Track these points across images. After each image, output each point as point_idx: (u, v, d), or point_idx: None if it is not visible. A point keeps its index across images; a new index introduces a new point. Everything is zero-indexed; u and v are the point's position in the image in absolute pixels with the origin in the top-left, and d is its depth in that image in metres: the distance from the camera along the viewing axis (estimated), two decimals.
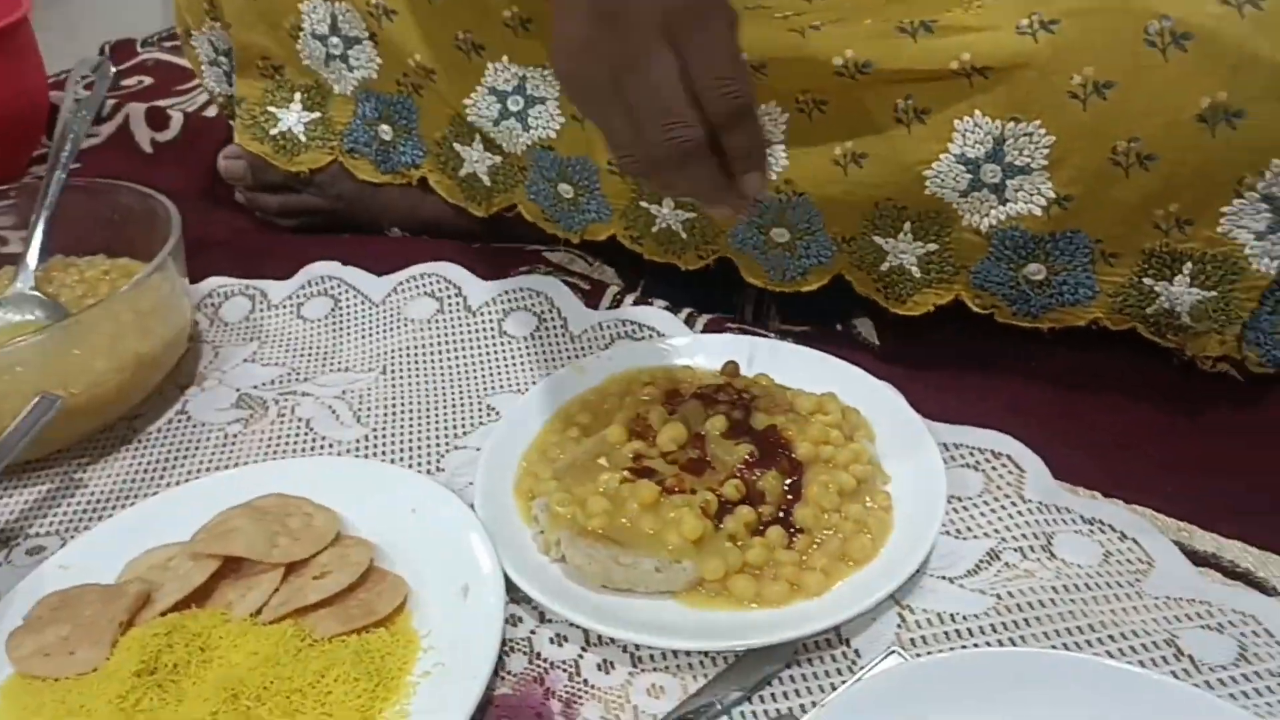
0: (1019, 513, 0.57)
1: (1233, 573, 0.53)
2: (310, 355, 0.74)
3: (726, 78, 0.46)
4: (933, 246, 0.63)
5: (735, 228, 0.69)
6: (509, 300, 0.77)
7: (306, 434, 0.67)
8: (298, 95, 0.80)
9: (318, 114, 0.80)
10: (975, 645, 0.50)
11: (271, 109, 0.80)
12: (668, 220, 0.69)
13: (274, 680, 0.48)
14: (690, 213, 0.68)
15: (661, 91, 0.46)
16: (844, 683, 0.49)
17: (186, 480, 0.63)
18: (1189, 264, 0.58)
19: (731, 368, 0.65)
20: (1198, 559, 0.54)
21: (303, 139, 0.80)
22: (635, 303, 0.76)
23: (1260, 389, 0.64)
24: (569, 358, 0.71)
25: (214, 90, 0.86)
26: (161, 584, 0.53)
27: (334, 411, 0.68)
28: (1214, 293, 0.59)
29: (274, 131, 0.81)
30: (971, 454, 0.61)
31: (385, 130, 0.78)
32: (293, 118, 0.80)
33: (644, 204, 0.69)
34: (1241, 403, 0.64)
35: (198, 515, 0.56)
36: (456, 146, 0.75)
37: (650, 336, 0.72)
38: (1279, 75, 0.52)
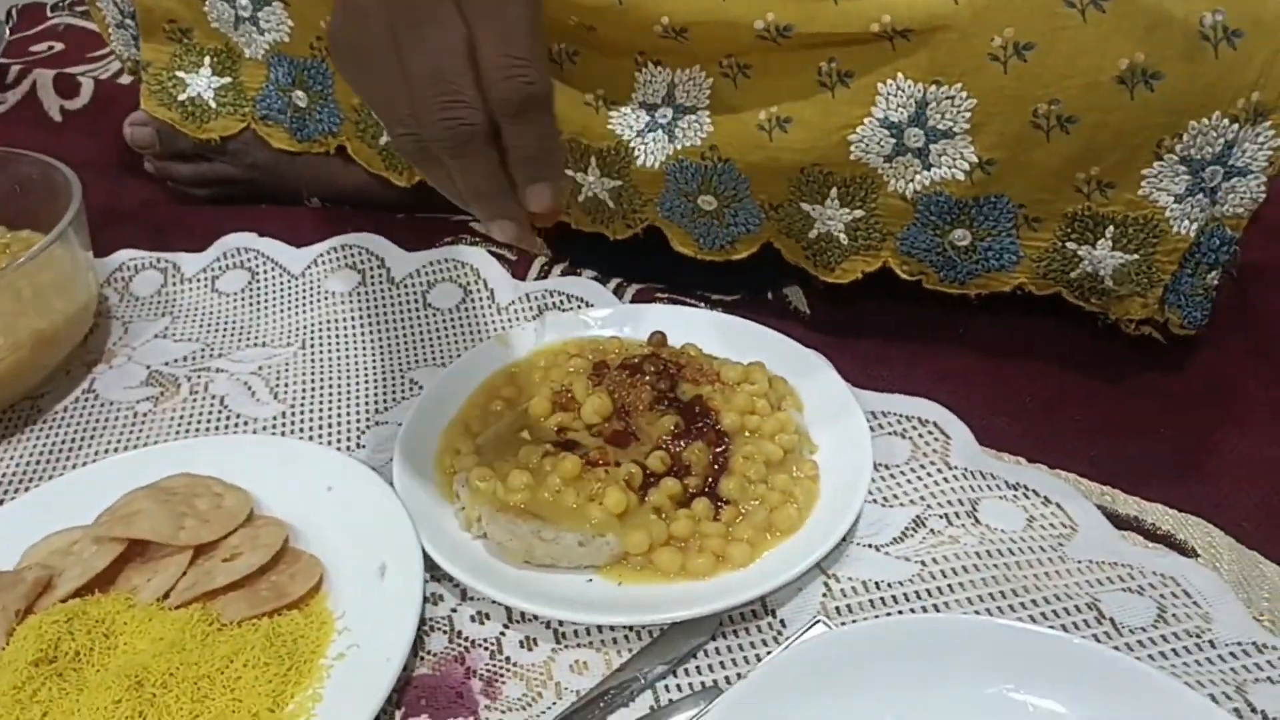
0: (945, 479, 0.57)
1: (1154, 535, 0.54)
2: (225, 330, 0.71)
3: (518, 58, 0.41)
4: (859, 213, 0.63)
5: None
6: (433, 272, 0.74)
7: (220, 412, 0.64)
8: (207, 59, 0.76)
9: (228, 79, 0.77)
10: (900, 613, 0.50)
11: (180, 74, 0.77)
12: (595, 189, 0.67)
13: (180, 666, 0.46)
14: (617, 180, 0.66)
15: (442, 61, 0.41)
16: (769, 653, 0.48)
17: (93, 462, 0.60)
18: (1111, 227, 0.59)
19: (658, 338, 0.64)
20: (1120, 522, 0.54)
21: (213, 105, 0.77)
22: (564, 273, 0.75)
23: (1181, 353, 0.65)
24: (495, 330, 0.69)
25: (123, 55, 0.82)
26: (63, 569, 0.51)
27: (250, 388, 0.66)
28: (1136, 256, 0.59)
29: (182, 97, 0.77)
30: (899, 421, 0.60)
31: (300, 96, 0.75)
32: (202, 83, 0.77)
33: (569, 172, 0.67)
34: (1164, 367, 0.64)
35: (102, 498, 0.54)
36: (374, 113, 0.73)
37: (578, 307, 0.70)
38: (1192, 36, 0.53)
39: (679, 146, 0.63)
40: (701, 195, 0.65)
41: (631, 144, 0.65)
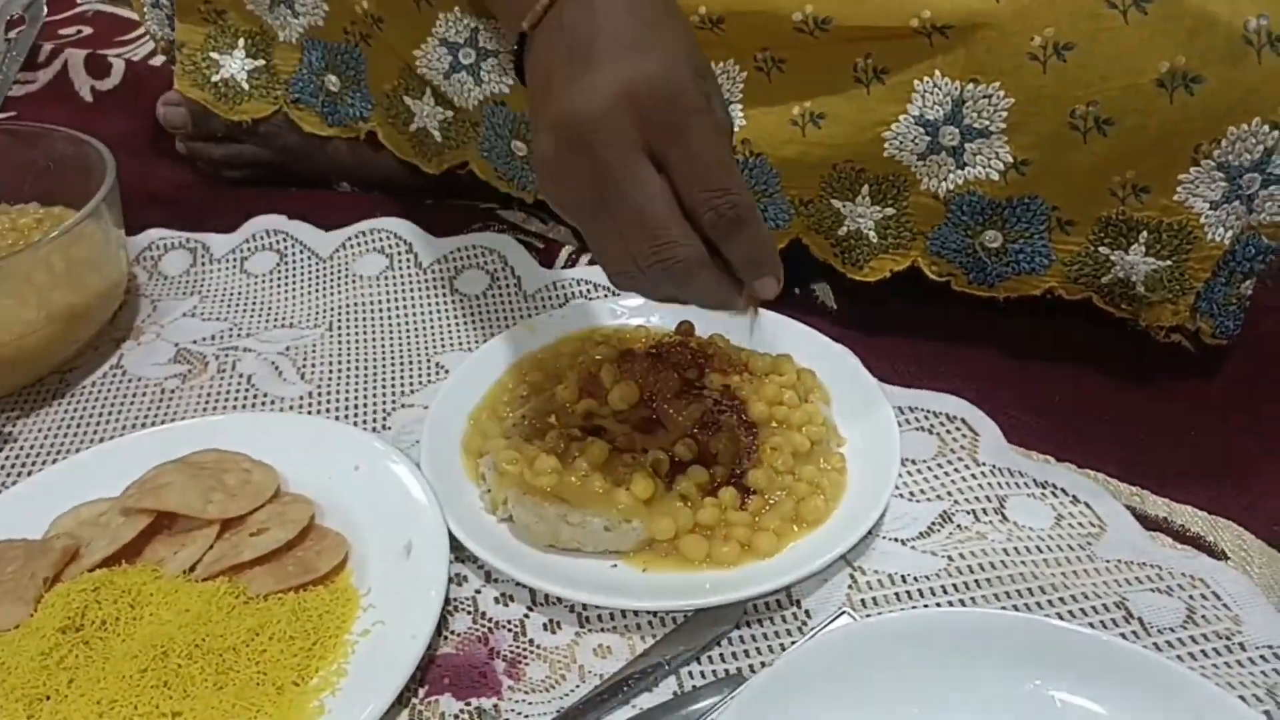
0: (972, 476, 0.56)
1: (1183, 537, 0.53)
2: (253, 310, 0.71)
3: (717, 189, 0.43)
4: (890, 211, 0.63)
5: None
6: (461, 258, 0.75)
7: (247, 390, 0.64)
8: (241, 41, 0.77)
9: (262, 62, 0.77)
10: (926, 606, 0.49)
11: (214, 55, 0.77)
12: None
13: (205, 638, 0.46)
14: None
15: (645, 213, 0.43)
16: (794, 643, 0.48)
17: (120, 435, 0.60)
18: (1144, 233, 0.58)
19: (686, 328, 0.63)
20: (1149, 523, 0.54)
21: (245, 87, 0.77)
22: (590, 262, 0.74)
23: (1212, 358, 0.64)
24: (522, 317, 0.69)
25: (157, 34, 0.82)
26: (91, 540, 0.51)
27: (277, 368, 0.66)
28: (1168, 262, 0.58)
29: (215, 79, 0.77)
30: (926, 417, 0.60)
31: (332, 81, 0.75)
32: (235, 65, 0.77)
33: None
34: (1195, 371, 0.64)
35: (130, 471, 0.54)
36: (406, 100, 0.73)
37: (605, 296, 0.70)
38: (1235, 40, 0.52)
39: None
40: None
41: None
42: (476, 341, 0.68)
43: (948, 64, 0.57)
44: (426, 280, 0.73)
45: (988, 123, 0.57)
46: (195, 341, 0.69)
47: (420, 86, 0.72)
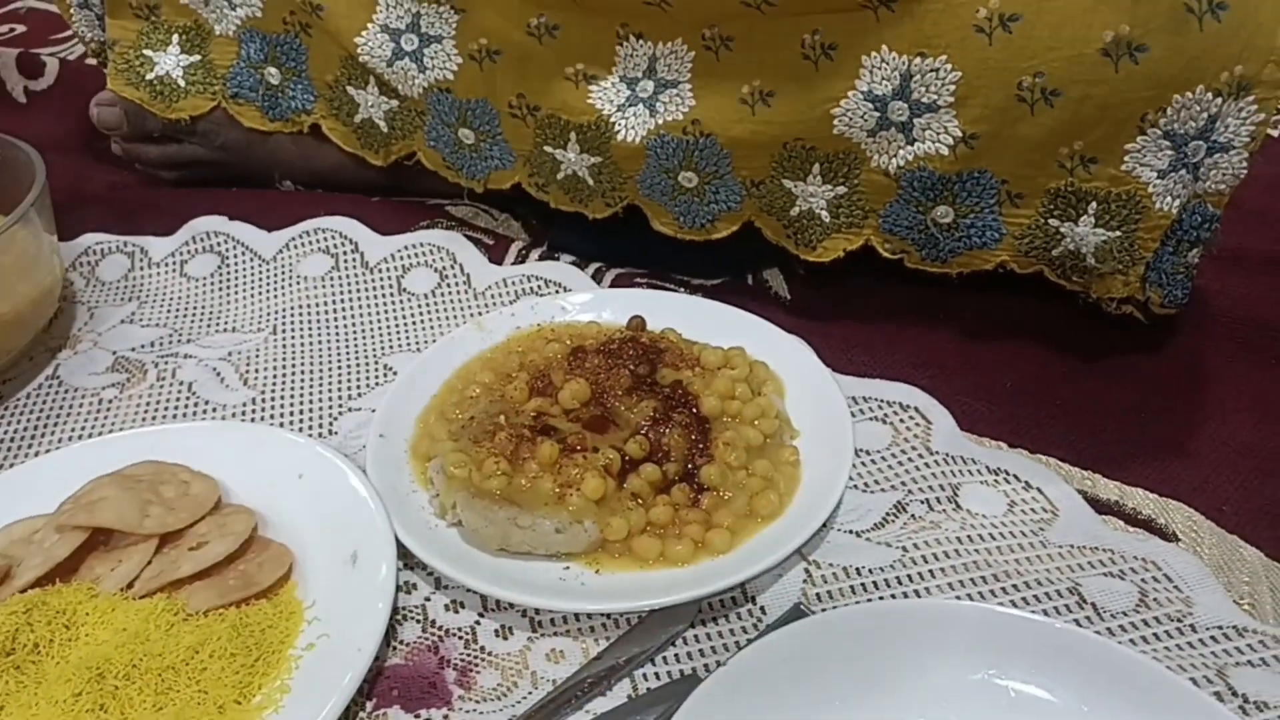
0: (926, 465, 0.56)
1: (1135, 520, 0.54)
2: (194, 315, 0.70)
3: None
4: (841, 190, 0.62)
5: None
6: (409, 256, 0.73)
7: (188, 398, 0.63)
8: (175, 37, 0.74)
9: (197, 57, 0.75)
10: (881, 598, 0.49)
11: (147, 52, 0.75)
12: (574, 166, 0.66)
13: (143, 658, 0.45)
14: (597, 157, 0.65)
15: None
16: (749, 640, 0.47)
17: (56, 449, 0.59)
18: (1093, 204, 0.58)
19: (637, 323, 0.63)
20: (1101, 507, 0.54)
21: (182, 84, 0.75)
22: (541, 257, 0.73)
23: (1162, 337, 0.64)
24: (472, 315, 0.68)
25: (86, 36, 0.79)
26: (23, 559, 0.50)
27: (219, 374, 0.64)
28: (1118, 233, 0.58)
29: (150, 76, 0.75)
30: (880, 407, 0.60)
31: (272, 73, 0.73)
32: (170, 61, 0.75)
33: (549, 149, 0.66)
34: (1144, 351, 0.64)
35: (65, 486, 0.53)
36: (350, 90, 0.71)
37: (556, 292, 0.69)
38: (1178, 8, 0.52)
39: (660, 121, 0.62)
40: (683, 171, 0.64)
41: (612, 119, 0.64)
42: (425, 341, 0.66)
43: (894, 38, 0.56)
44: (373, 280, 0.72)
45: (936, 96, 0.57)
46: (134, 349, 0.67)
47: (364, 76, 0.70)
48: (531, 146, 0.67)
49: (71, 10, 0.78)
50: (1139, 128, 0.55)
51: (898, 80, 0.57)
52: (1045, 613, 0.48)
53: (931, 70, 0.56)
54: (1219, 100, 0.54)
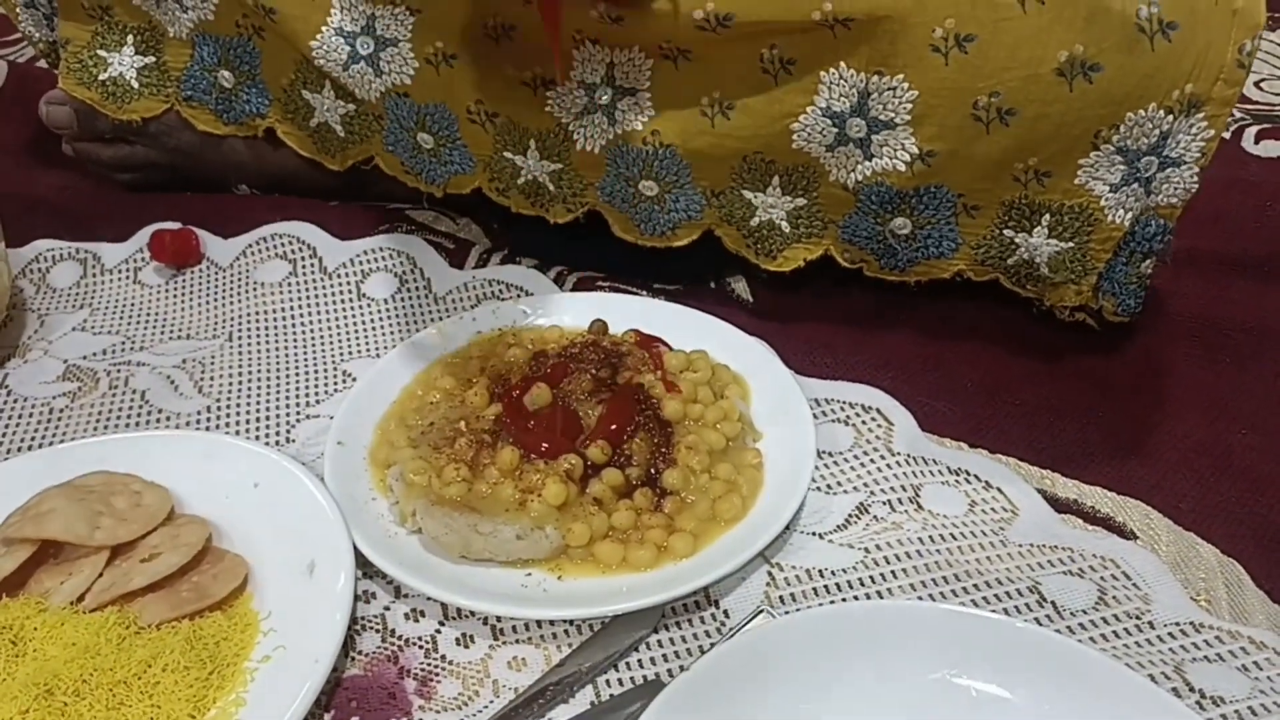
0: (888, 466, 0.56)
1: (1093, 518, 0.54)
2: (147, 323, 0.68)
3: None
4: (801, 201, 0.62)
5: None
6: (368, 261, 0.72)
7: (141, 407, 0.61)
8: (130, 38, 0.73)
9: (152, 58, 0.73)
10: (844, 600, 0.49)
11: (101, 52, 0.73)
12: (534, 172, 0.66)
13: (94, 673, 0.44)
14: (557, 163, 0.65)
15: None
16: (713, 645, 0.47)
17: (4, 460, 0.57)
18: (1047, 215, 0.59)
19: (599, 326, 0.62)
20: (1060, 505, 0.55)
21: (135, 85, 0.74)
22: (503, 262, 0.73)
23: (1117, 337, 0.65)
24: (432, 320, 0.68)
25: (34, 36, 0.78)
26: None
27: (172, 382, 0.63)
28: (1071, 244, 0.59)
29: (103, 77, 0.73)
30: (842, 408, 0.60)
31: (226, 76, 0.72)
32: (125, 62, 0.73)
33: (508, 154, 0.66)
34: (1100, 351, 0.65)
35: (13, 498, 0.51)
36: (305, 94, 0.70)
37: (517, 297, 0.69)
38: (1129, 28, 0.53)
39: (620, 131, 0.62)
40: (643, 180, 0.63)
41: (570, 127, 0.63)
42: (385, 347, 0.66)
43: (852, 56, 0.56)
44: (332, 286, 0.71)
45: (893, 114, 0.57)
46: (85, 357, 0.65)
47: (319, 80, 0.70)
48: (491, 152, 0.67)
49: (18, 10, 0.77)
50: (1092, 143, 0.56)
51: (855, 97, 0.57)
52: (1006, 611, 0.48)
53: (889, 89, 0.56)
54: (1170, 117, 0.55)
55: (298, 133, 0.73)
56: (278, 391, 0.62)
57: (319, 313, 0.69)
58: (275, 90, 0.72)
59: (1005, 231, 0.60)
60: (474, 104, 0.65)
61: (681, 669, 0.46)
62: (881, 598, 0.49)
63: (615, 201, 0.66)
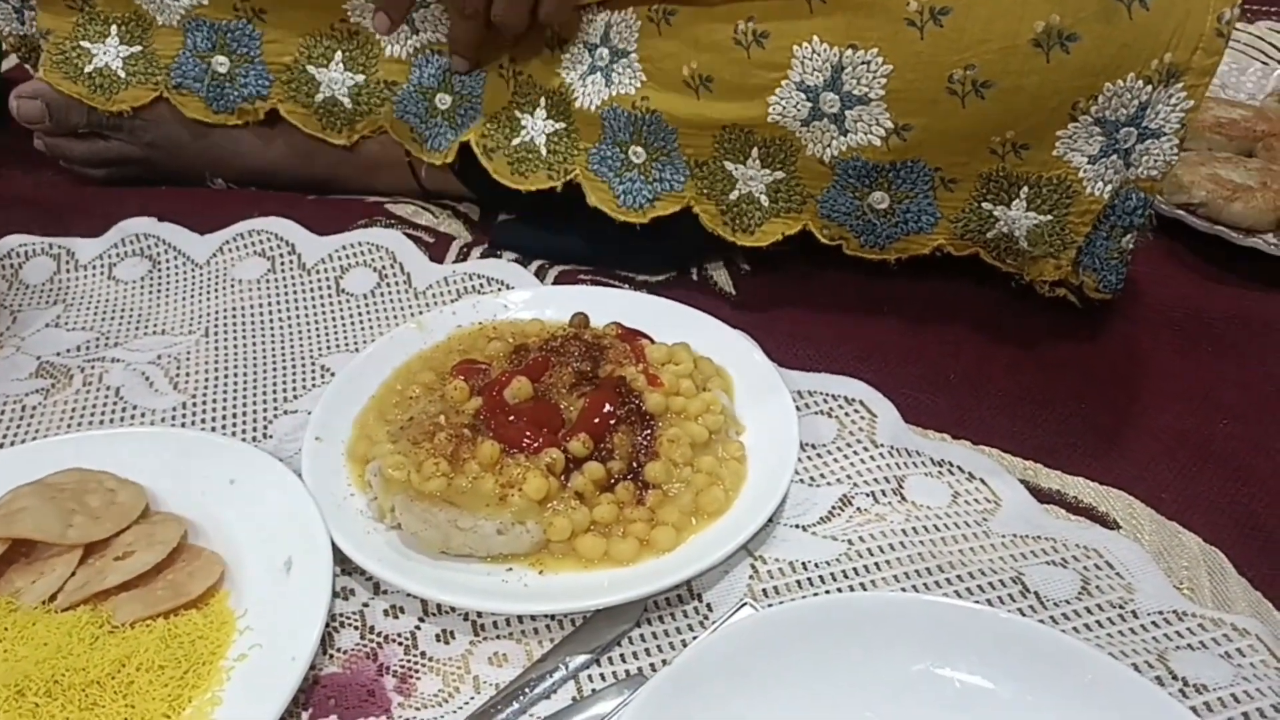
0: (871, 458, 0.56)
1: (1076, 508, 0.54)
2: (122, 318, 0.67)
3: None
4: (780, 174, 0.62)
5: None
6: (347, 256, 0.72)
7: (115, 403, 0.60)
8: (114, 28, 0.72)
9: (138, 47, 0.72)
10: (827, 592, 0.49)
11: (84, 44, 0.72)
12: (533, 132, 0.66)
13: (66, 673, 0.43)
14: (560, 123, 0.66)
15: None
16: (695, 638, 0.47)
17: None
18: (1025, 188, 0.58)
19: (580, 320, 0.62)
20: (1043, 496, 0.54)
21: (122, 75, 0.72)
22: (483, 255, 0.72)
23: (1099, 327, 0.65)
24: (412, 315, 0.67)
25: (4, 30, 0.76)
26: None
27: (147, 378, 0.62)
28: (1049, 216, 0.59)
29: (88, 69, 0.72)
30: (825, 400, 0.60)
31: (220, 62, 0.71)
32: (110, 53, 0.72)
33: (518, 113, 0.67)
34: (1082, 341, 0.65)
35: None
36: (310, 69, 0.70)
37: (498, 290, 0.68)
38: None
39: (614, 93, 0.63)
40: (633, 146, 0.64)
41: (573, 85, 0.64)
42: (364, 342, 0.65)
43: (826, 29, 0.56)
44: (311, 281, 0.70)
45: (867, 89, 0.57)
46: (59, 354, 0.64)
47: (326, 54, 0.69)
48: (501, 107, 0.67)
49: None
50: (1070, 115, 0.55)
51: (829, 72, 0.57)
52: (990, 602, 0.48)
53: (863, 63, 0.56)
54: (1149, 88, 0.54)
55: (301, 111, 0.72)
56: (254, 387, 0.62)
57: (297, 308, 0.68)
58: (277, 70, 0.71)
59: (984, 205, 0.60)
60: (507, 61, 0.67)
61: (664, 663, 0.46)
62: (865, 590, 0.49)
63: (603, 169, 0.66)
